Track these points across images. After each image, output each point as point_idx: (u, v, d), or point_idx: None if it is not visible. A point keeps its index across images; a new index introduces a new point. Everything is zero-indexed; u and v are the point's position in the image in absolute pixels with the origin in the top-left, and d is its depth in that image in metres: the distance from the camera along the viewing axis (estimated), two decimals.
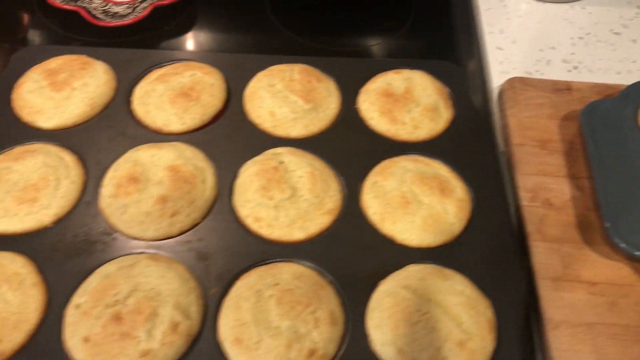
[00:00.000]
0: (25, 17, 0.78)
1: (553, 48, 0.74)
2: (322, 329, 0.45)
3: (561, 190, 0.58)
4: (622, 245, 0.51)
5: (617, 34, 0.76)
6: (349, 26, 0.79)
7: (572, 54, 0.73)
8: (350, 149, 0.58)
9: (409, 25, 0.78)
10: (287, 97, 0.60)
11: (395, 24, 0.78)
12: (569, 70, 0.71)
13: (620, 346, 0.48)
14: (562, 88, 0.66)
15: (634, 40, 0.75)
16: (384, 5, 0.80)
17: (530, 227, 0.55)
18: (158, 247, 0.51)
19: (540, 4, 0.79)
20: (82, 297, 0.47)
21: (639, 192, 0.54)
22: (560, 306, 0.50)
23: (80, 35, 0.73)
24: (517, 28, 0.77)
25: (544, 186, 0.58)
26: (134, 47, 0.69)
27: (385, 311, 0.46)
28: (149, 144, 0.57)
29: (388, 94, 0.61)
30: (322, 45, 0.71)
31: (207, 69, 0.63)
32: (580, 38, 0.75)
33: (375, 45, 0.75)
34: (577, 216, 0.56)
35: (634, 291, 0.52)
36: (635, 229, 0.52)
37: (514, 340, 0.46)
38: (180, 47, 0.74)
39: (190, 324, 0.46)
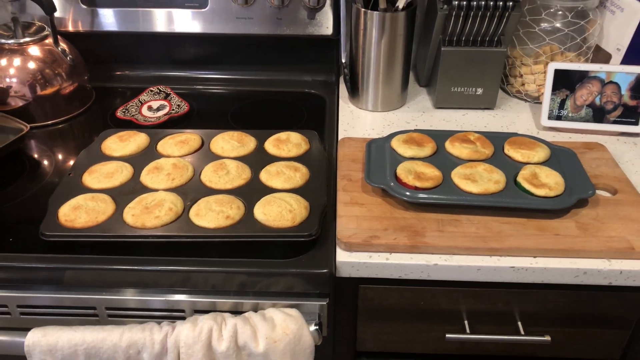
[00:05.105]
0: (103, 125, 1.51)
1: (373, 129, 1.45)
2: (234, 210, 1.07)
3: (357, 175, 1.23)
4: (372, 184, 1.15)
5: (407, 122, 1.47)
6: (270, 123, 1.51)
7: (382, 130, 1.44)
8: (257, 160, 1.24)
9: (304, 120, 1.51)
10: (229, 141, 1.28)
11: (295, 120, 1.51)
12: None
13: (367, 222, 1.09)
14: (367, 140, 1.36)
15: (407, 123, 1.46)
16: (291, 113, 1.54)
17: (340, 186, 1.19)
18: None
19: (370, 112, 1.53)
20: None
21: (384, 168, 1.20)
22: (346, 212, 1.12)
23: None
24: (357, 121, 1.49)
25: (349, 173, 1.23)
26: None
27: (261, 204, 1.08)
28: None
29: (278, 139, 1.29)
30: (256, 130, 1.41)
31: (193, 133, 1.33)
32: (388, 125, 1.47)
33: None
34: (361, 183, 1.20)
35: (378, 205, 1.14)
36: (377, 180, 1.16)
37: (317, 216, 1.07)
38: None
39: (177, 210, 1.07)
